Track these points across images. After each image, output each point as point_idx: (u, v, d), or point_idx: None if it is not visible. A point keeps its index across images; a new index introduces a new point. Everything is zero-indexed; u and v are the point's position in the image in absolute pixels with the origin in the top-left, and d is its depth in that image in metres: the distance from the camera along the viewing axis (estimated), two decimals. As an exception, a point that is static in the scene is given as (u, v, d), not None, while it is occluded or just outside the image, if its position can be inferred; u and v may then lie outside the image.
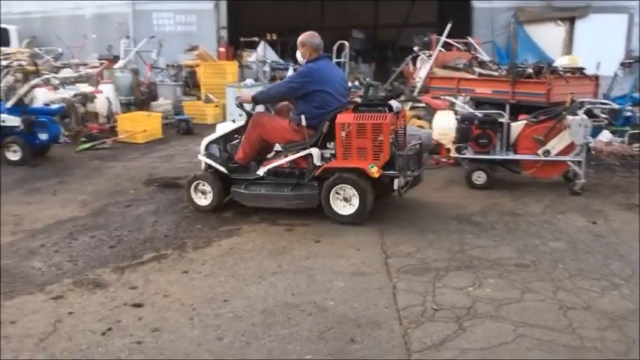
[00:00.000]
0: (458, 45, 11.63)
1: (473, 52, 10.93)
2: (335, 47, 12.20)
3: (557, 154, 6.17)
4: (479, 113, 6.68)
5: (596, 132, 7.55)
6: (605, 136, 8.32)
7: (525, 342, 3.14)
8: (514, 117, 6.75)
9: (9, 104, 7.67)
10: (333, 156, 5.22)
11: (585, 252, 4.49)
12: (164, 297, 3.72)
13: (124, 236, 4.88)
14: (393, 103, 5.35)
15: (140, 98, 11.54)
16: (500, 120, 6.40)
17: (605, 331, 3.26)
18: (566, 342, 3.14)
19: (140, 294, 3.76)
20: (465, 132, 6.40)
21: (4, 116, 7.55)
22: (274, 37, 17.33)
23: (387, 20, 22.19)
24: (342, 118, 5.10)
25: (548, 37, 12.97)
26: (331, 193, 5.12)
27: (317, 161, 5.23)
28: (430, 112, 8.80)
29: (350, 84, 12.38)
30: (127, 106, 11.09)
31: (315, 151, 5.22)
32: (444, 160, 7.23)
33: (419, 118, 9.50)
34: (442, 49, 11.20)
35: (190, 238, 4.83)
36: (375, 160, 5.02)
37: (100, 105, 9.95)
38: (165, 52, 13.50)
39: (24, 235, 4.93)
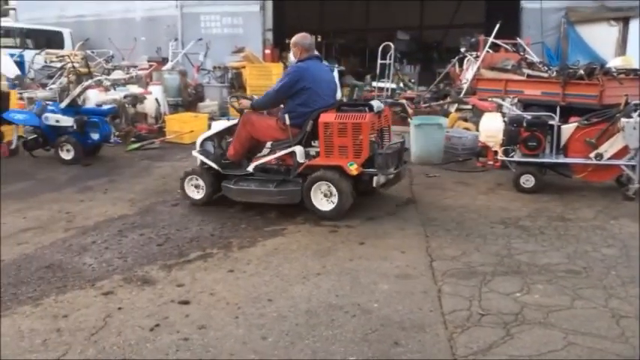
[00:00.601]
0: (506, 46, 11.42)
1: (522, 53, 10.71)
2: (380, 49, 12.16)
3: (609, 158, 5.99)
4: (527, 115, 6.55)
5: (650, 135, 7.29)
6: (661, 139, 8.01)
7: (576, 350, 3.05)
8: (564, 119, 6.59)
9: (63, 105, 7.93)
10: (318, 154, 5.35)
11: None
12: (210, 295, 3.77)
13: (172, 235, 4.98)
14: (374, 102, 5.48)
15: (187, 99, 11.77)
16: (550, 122, 6.25)
17: (661, 341, 3.14)
18: (618, 351, 3.03)
19: (187, 291, 3.82)
20: (513, 134, 6.29)
21: (58, 116, 7.81)
22: (319, 38, 17.36)
23: (432, 21, 21.91)
24: (325, 117, 5.24)
25: (600, 37, 12.55)
26: (312, 189, 5.24)
27: (300, 158, 5.38)
28: (477, 114, 8.68)
29: (394, 85, 12.40)
30: (174, 107, 11.33)
31: (298, 149, 5.38)
32: (490, 162, 7.11)
33: (465, 120, 9.40)
34: (489, 50, 11.02)
35: (235, 238, 4.88)
36: (356, 158, 5.14)
37: (149, 106, 10.21)
38: (212, 54, 13.73)
39: (76, 231, 5.09)
